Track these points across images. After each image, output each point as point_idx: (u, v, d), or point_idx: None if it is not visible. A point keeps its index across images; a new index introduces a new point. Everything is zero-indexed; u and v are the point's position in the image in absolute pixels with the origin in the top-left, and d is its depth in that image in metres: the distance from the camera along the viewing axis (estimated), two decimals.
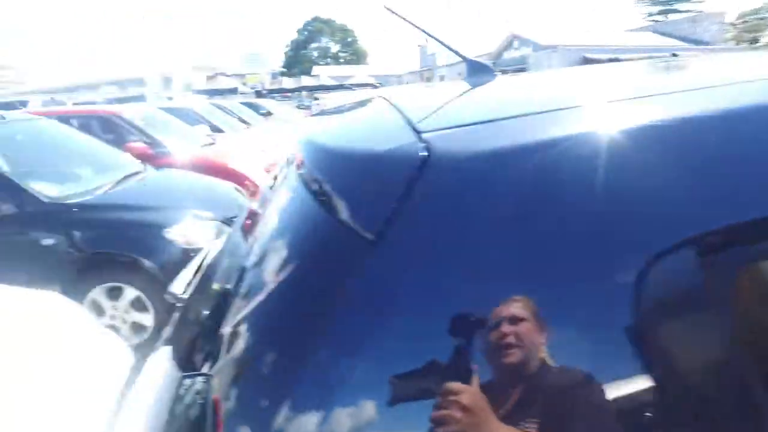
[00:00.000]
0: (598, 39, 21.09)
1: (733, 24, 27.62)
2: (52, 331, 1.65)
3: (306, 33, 73.48)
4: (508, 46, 23.41)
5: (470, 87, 0.93)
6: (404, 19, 0.96)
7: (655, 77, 1.10)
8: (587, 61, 16.99)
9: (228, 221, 3.67)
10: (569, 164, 0.57)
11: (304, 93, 40.74)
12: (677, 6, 40.66)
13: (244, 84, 37.98)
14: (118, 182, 3.64)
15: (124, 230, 3.16)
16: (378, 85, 25.06)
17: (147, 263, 2.99)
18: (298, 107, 23.07)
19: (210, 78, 35.00)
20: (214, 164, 5.58)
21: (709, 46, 19.36)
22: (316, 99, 39.31)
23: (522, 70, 19.12)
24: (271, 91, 39.27)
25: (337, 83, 42.73)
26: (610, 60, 16.97)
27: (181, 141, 6.08)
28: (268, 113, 14.23)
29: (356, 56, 72.36)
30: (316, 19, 72.39)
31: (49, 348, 1.50)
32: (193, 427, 0.64)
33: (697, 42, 20.46)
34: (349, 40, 74.51)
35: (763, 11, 34.28)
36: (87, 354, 1.53)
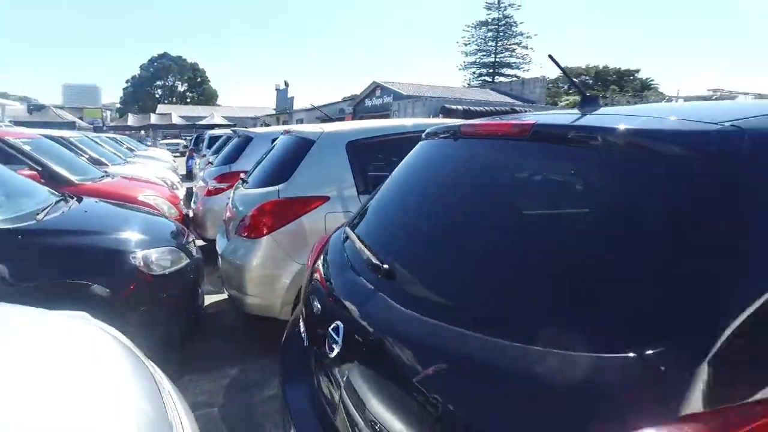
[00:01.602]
0: (451, 92, 23.65)
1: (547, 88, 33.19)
2: (80, 354, 1.50)
3: (152, 70, 68.49)
4: (371, 93, 24.92)
5: None
6: None
7: None
8: (446, 110, 18.94)
9: (182, 246, 3.39)
10: None
11: (143, 132, 38.10)
12: (503, 71, 47.66)
13: (81, 119, 33.87)
14: (51, 208, 3.14)
15: (80, 256, 2.80)
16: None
17: (101, 289, 2.74)
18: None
19: (34, 110, 30.53)
20: (124, 196, 4.99)
21: (534, 104, 23.02)
22: (165, 138, 36.80)
23: (385, 116, 20.47)
24: (114, 128, 35.79)
25: (189, 123, 40.72)
26: (465, 110, 19.23)
27: (75, 170, 5.30)
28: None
29: (205, 97, 69.46)
30: (164, 56, 67.94)
31: (77, 370, 1.39)
32: None
33: (526, 100, 24.17)
34: (199, 80, 71.38)
35: (559, 81, 42.56)
36: (115, 376, 1.43)
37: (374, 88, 24.63)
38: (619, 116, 1.33)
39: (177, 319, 3.21)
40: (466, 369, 1.06)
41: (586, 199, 1.29)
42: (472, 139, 1.68)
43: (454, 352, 1.09)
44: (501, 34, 46.89)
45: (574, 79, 1.77)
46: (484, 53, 48.22)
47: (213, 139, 10.32)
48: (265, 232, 3.30)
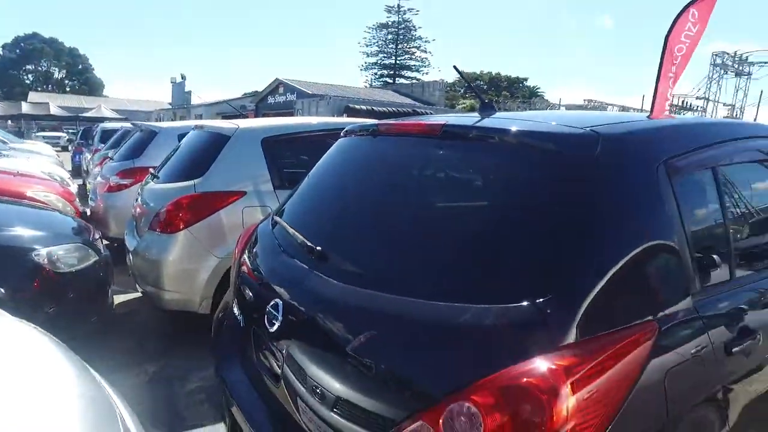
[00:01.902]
0: (354, 92, 24.02)
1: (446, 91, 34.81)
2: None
3: (18, 52, 60.61)
4: (274, 91, 24.48)
5: None
6: None
7: None
8: (350, 110, 19.25)
9: (90, 243, 3.30)
10: None
11: (10, 122, 33.86)
12: (403, 72, 49.10)
13: None
14: None
15: None
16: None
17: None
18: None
19: None
20: (9, 192, 4.60)
21: (434, 107, 24.16)
22: (43, 130, 32.97)
23: (289, 113, 20.29)
24: None
25: (71, 114, 36.89)
26: (369, 110, 19.67)
27: None
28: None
29: (89, 86, 63.10)
30: (33, 37, 60.21)
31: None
32: None
33: (426, 102, 25.28)
34: (80, 67, 64.67)
35: (456, 85, 45.00)
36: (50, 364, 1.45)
37: (277, 86, 24.26)
38: (511, 120, 1.65)
39: (87, 318, 3.11)
40: (394, 327, 1.29)
41: (486, 186, 1.58)
42: (390, 136, 1.92)
43: (384, 314, 1.32)
44: (401, 37, 48.30)
45: (473, 86, 2.08)
46: (385, 55, 49.37)
47: (106, 133, 9.64)
48: (181, 226, 3.29)
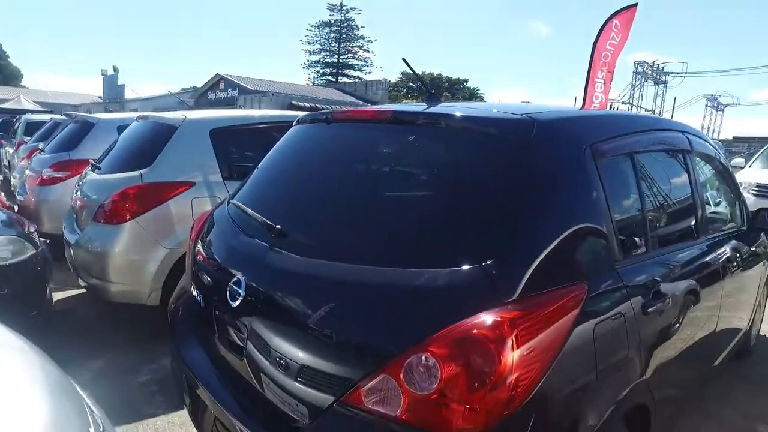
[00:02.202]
0: (297, 89, 23.78)
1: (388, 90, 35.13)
2: None
3: None
4: (214, 86, 23.80)
5: None
6: None
7: None
8: (293, 107, 19.06)
9: (25, 236, 3.19)
10: None
11: None
12: (346, 71, 49.06)
13: None
14: None
15: None
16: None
17: None
18: None
19: None
20: None
21: (378, 105, 24.35)
22: None
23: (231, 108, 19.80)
24: None
25: None
26: (311, 107, 19.57)
27: None
28: None
29: (4, 75, 58.22)
30: None
31: None
32: None
33: (370, 101, 25.46)
34: None
35: (398, 85, 45.69)
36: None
37: (218, 81, 23.61)
38: (456, 107, 1.80)
39: (26, 313, 2.98)
40: (355, 293, 1.39)
41: (434, 166, 1.71)
42: (343, 122, 2.02)
43: (346, 282, 1.42)
44: (344, 36, 48.23)
45: (420, 78, 2.21)
46: (328, 53, 49.12)
47: (32, 125, 9.03)
48: (128, 217, 3.23)
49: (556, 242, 1.38)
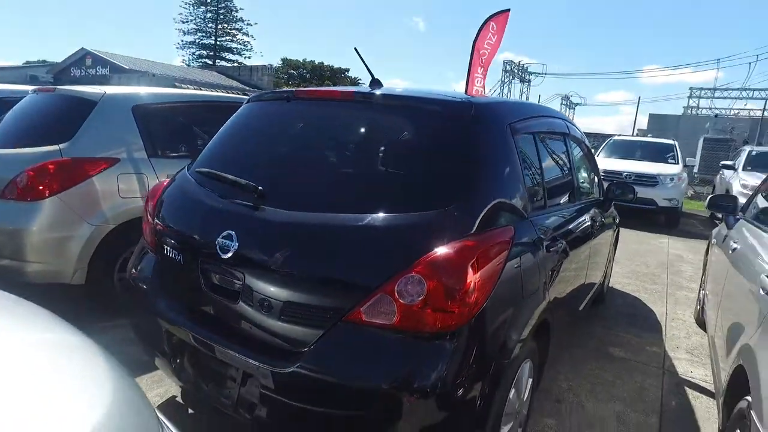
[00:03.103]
0: (178, 71, 22.29)
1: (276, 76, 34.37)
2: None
3: None
4: (79, 62, 21.31)
5: None
6: None
7: None
8: (175, 86, 17.95)
9: None
10: None
11: None
12: (224, 54, 46.75)
13: None
14: None
15: None
16: None
17: None
18: None
19: None
20: None
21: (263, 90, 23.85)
22: None
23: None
24: None
25: None
26: (195, 88, 18.60)
27: None
28: None
29: None
30: None
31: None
32: None
33: (254, 86, 24.81)
34: None
35: (279, 72, 44.81)
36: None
37: (84, 56, 21.15)
38: (405, 91, 2.20)
39: None
40: (349, 235, 1.72)
41: (397, 137, 2.09)
42: (306, 100, 2.30)
43: (338, 227, 1.74)
44: (221, 17, 45.83)
45: (366, 65, 2.55)
46: (204, 34, 46.31)
47: None
48: (47, 193, 3.11)
49: (495, 194, 1.85)
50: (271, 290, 1.75)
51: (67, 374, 1.11)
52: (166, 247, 2.15)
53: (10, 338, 1.20)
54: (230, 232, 1.87)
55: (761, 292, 1.90)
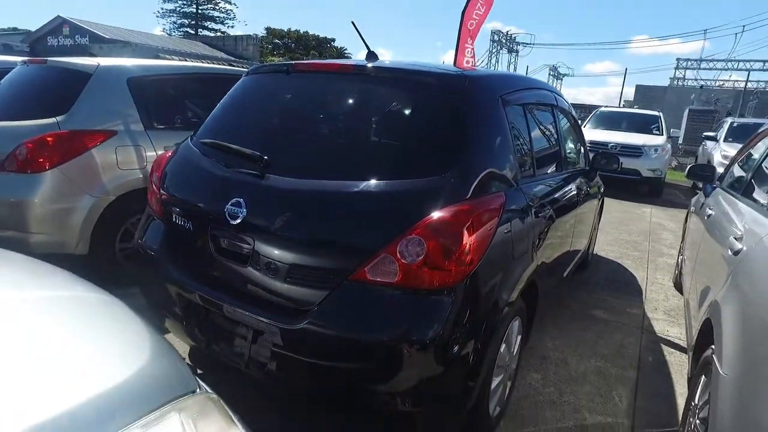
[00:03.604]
0: (162, 42, 21.75)
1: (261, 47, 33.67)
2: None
3: None
4: (56, 31, 20.68)
5: None
6: None
7: None
8: (159, 57, 17.60)
9: None
10: None
11: None
12: (206, 23, 45.52)
13: None
14: None
15: None
16: None
17: None
18: None
19: None
20: None
21: (250, 62, 23.47)
22: None
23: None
24: None
25: None
26: (180, 59, 18.24)
27: None
28: None
29: None
30: None
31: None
32: None
33: (240, 57, 24.36)
34: None
35: (264, 42, 43.85)
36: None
37: (60, 25, 20.49)
38: (403, 63, 2.28)
39: None
40: (354, 200, 1.83)
41: (397, 108, 2.18)
42: (305, 73, 2.38)
43: (331, 196, 1.85)
44: None
45: (362, 38, 2.62)
46: (185, 2, 44.97)
47: None
48: (47, 165, 3.16)
49: (488, 163, 1.97)
50: (279, 254, 1.87)
51: (107, 329, 1.24)
52: (174, 215, 2.25)
53: (48, 294, 1.32)
54: (239, 199, 1.97)
55: (729, 253, 2.07)
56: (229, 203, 1.97)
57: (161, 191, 2.37)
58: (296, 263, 1.83)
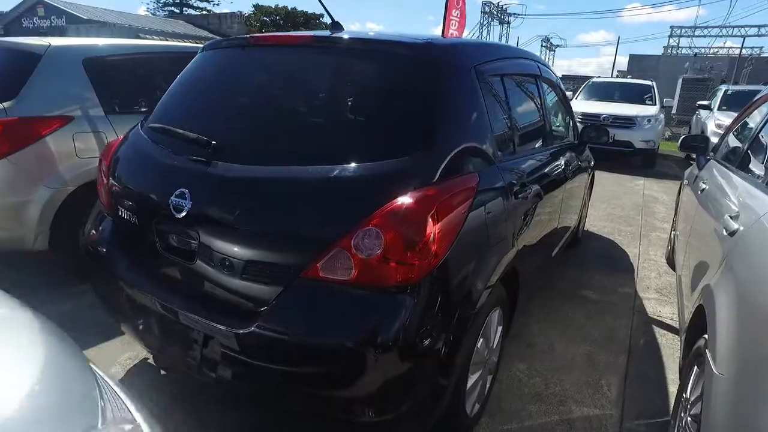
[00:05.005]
0: (142, 21, 21.09)
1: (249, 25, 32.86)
2: None
3: None
4: (30, 11, 19.96)
5: None
6: None
7: None
8: (139, 37, 17.08)
9: None
10: None
11: None
12: (190, 2, 44.31)
13: None
14: None
15: None
16: None
17: None
18: None
19: None
20: None
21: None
22: None
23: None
24: None
25: None
26: (162, 39, 17.72)
27: None
28: None
29: None
30: None
31: None
32: None
33: (225, 35, 23.74)
34: None
35: (250, 19, 42.87)
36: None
37: (34, 5, 19.76)
38: (365, 33, 2.06)
39: None
40: (301, 188, 1.64)
41: (359, 80, 1.97)
42: (263, 47, 2.16)
43: (282, 184, 1.65)
44: None
45: (329, 13, 2.38)
46: None
47: None
48: None
49: (459, 141, 1.78)
50: (227, 248, 1.68)
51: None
52: (120, 208, 2.06)
53: None
54: (183, 190, 1.78)
55: (724, 232, 1.90)
56: (174, 195, 1.78)
57: (109, 182, 2.17)
58: (244, 260, 1.65)
